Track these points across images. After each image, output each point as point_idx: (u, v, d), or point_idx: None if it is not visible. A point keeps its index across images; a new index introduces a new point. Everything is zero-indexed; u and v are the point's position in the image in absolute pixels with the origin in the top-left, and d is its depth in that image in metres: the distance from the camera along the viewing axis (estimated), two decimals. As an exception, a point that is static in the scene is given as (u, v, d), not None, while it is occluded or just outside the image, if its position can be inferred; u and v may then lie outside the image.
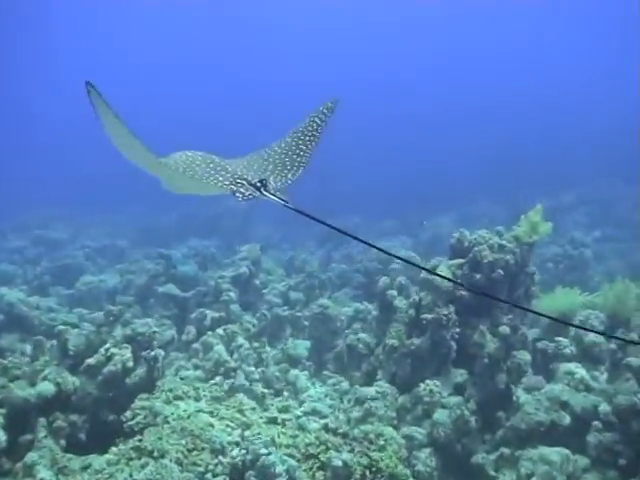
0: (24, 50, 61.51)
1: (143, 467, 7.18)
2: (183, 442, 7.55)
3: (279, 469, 7.16)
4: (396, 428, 9.02)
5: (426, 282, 10.13)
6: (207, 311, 12.18)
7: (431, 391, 9.18)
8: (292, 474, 7.22)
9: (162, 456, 7.30)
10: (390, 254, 4.03)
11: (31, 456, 7.95)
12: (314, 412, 9.45)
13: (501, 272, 9.86)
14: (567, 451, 8.27)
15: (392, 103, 55.80)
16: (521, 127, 44.73)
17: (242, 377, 10.30)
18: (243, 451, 7.46)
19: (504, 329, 9.62)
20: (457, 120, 50.24)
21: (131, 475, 7.13)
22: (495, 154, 38.74)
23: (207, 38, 71.96)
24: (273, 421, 8.89)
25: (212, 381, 9.75)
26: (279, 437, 8.12)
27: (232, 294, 13.71)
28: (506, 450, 8.64)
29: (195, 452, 7.50)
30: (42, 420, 8.43)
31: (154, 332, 9.58)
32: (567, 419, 8.72)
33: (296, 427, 8.81)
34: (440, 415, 8.93)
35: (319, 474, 7.43)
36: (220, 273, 14.48)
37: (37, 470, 7.75)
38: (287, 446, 7.93)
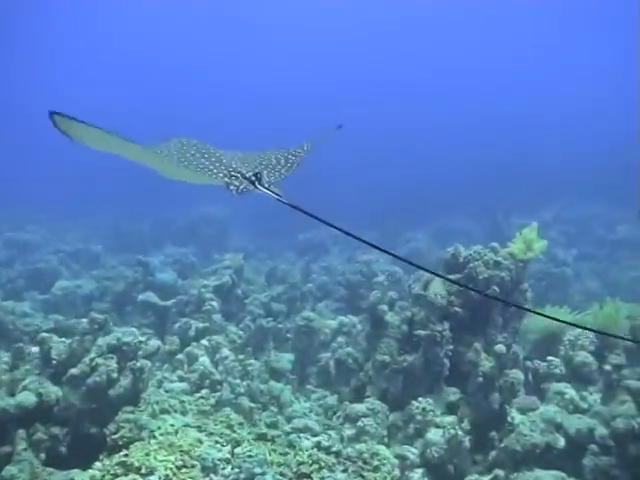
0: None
1: (130, 484, 6.87)
2: (172, 458, 7.23)
3: (273, 489, 6.91)
4: (387, 447, 8.80)
5: (419, 298, 9.94)
6: (192, 321, 11.86)
7: (424, 409, 8.97)
8: (286, 494, 6.97)
9: (150, 473, 6.97)
10: (409, 262, 3.93)
11: (9, 470, 7.60)
12: (306, 429, 9.14)
13: (496, 289, 9.69)
14: (563, 474, 8.11)
15: (374, 114, 55.68)
16: (502, 143, 44.80)
17: (228, 390, 10.02)
18: (236, 469, 7.18)
19: (500, 348, 9.44)
20: (439, 133, 50.28)
21: (117, 493, 6.82)
22: (474, 169, 38.73)
23: (207, 38, 71.76)
24: (262, 437, 8.61)
25: (198, 394, 9.44)
26: (270, 455, 7.85)
27: (215, 304, 13.42)
28: (500, 472, 8.41)
29: (185, 469, 7.18)
30: (21, 432, 8.07)
31: (140, 342, 9.24)
32: (562, 441, 8.55)
33: (286, 444, 8.54)
34: (433, 435, 8.70)
35: (312, 494, 7.19)
36: (203, 282, 14.14)
37: (16, 484, 7.42)
38: (278, 464, 7.67)
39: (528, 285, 10.52)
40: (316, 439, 8.57)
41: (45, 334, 9.06)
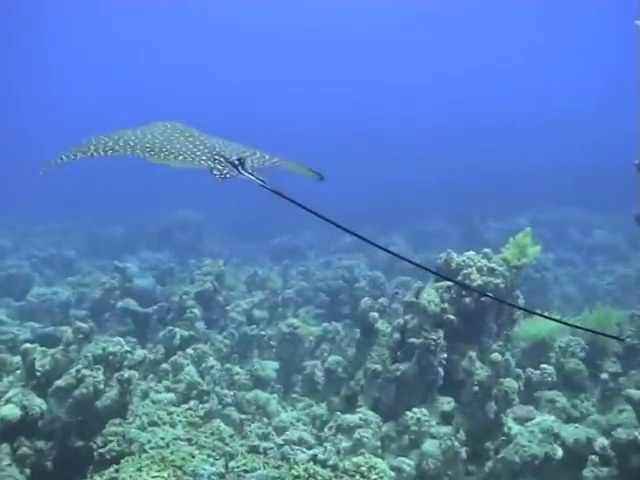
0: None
1: (122, 502, 6.60)
2: (165, 474, 6.94)
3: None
4: (381, 458, 8.59)
5: (411, 305, 9.72)
6: (176, 329, 11.55)
7: (418, 420, 8.76)
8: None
9: (143, 490, 6.71)
10: (416, 264, 3.97)
11: (-7, 486, 7.31)
12: (299, 441, 8.91)
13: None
14: (563, 486, 7.98)
15: (348, 119, 55.66)
16: (478, 149, 44.94)
17: (216, 401, 9.77)
18: (234, 485, 6.94)
19: (495, 356, 9.28)
20: (414, 139, 50.33)
21: (109, 510, 6.55)
22: (448, 174, 38.80)
23: (204, 42, 71.33)
24: (255, 450, 8.38)
25: (186, 405, 9.13)
26: (264, 468, 7.61)
27: (197, 311, 13.15)
28: (498, 484, 8.29)
29: (179, 485, 6.93)
30: (5, 446, 7.75)
31: (126, 352, 8.95)
32: (560, 452, 8.41)
33: (279, 457, 8.31)
34: (430, 446, 8.51)
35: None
36: (184, 289, 13.85)
37: (0, 502, 7.12)
38: (273, 478, 7.43)
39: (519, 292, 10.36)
40: (311, 452, 8.34)
41: (29, 345, 8.71)
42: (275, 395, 11.14)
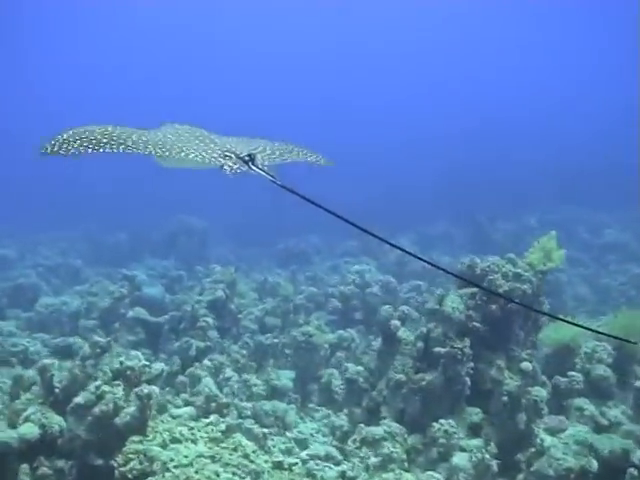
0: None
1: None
2: (192, 495, 6.71)
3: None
4: (407, 472, 8.35)
5: (435, 313, 9.47)
6: (192, 340, 11.28)
7: (446, 432, 8.51)
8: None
9: (170, 512, 6.46)
10: (445, 270, 4.00)
11: (12, 508, 7.05)
12: (327, 457, 8.65)
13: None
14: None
15: (351, 125, 55.50)
16: (481, 150, 44.70)
17: (236, 414, 9.52)
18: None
19: (526, 365, 9.02)
20: (419, 140, 50.13)
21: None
22: (448, 175, 38.57)
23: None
24: (279, 466, 8.11)
25: (206, 420, 8.83)
26: (292, 486, 7.37)
27: (209, 320, 12.88)
28: (531, 498, 8.03)
29: (208, 507, 6.68)
30: (24, 467, 7.52)
31: (144, 366, 8.68)
32: (595, 465, 8.14)
33: (305, 473, 8.06)
34: (460, 459, 8.25)
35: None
36: (196, 297, 13.59)
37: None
38: (303, 497, 7.19)
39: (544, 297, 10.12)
40: (339, 468, 8.10)
41: (47, 361, 8.46)
42: (293, 405, 10.92)
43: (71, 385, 8.31)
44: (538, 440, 8.52)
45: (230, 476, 7.33)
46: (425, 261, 4.02)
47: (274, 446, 8.98)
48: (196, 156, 4.76)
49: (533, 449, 8.54)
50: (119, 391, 8.06)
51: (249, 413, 9.87)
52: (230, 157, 4.77)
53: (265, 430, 9.25)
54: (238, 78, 71.05)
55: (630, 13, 46.71)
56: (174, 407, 9.16)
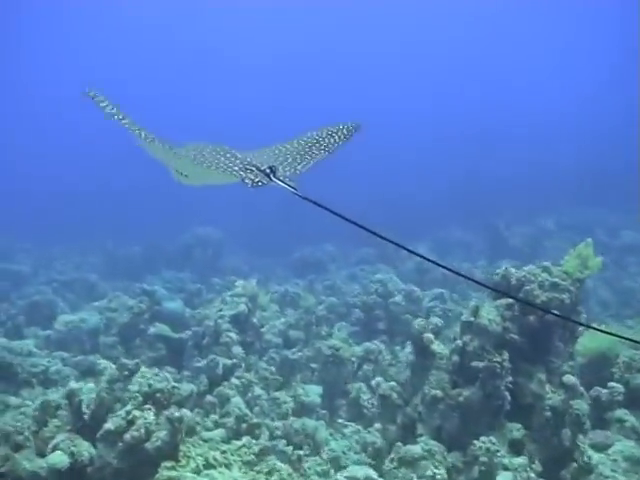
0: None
1: None
2: (232, 526, 6.41)
3: None
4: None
5: (470, 325, 9.16)
6: (218, 358, 10.97)
7: (488, 450, 8.19)
8: None
9: None
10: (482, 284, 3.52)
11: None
12: (367, 479, 8.34)
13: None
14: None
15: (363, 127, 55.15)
16: (491, 155, 44.45)
17: (267, 434, 9.23)
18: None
19: (568, 379, 8.69)
20: (430, 145, 49.89)
21: None
22: (465, 180, 38.30)
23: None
24: (317, 490, 7.83)
25: (239, 442, 8.53)
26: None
27: (233, 335, 12.60)
28: (580, 518, 7.70)
29: (248, 537, 6.39)
30: (54, 498, 7.24)
31: (173, 387, 8.41)
32: (644, 481, 7.83)
33: (344, 497, 7.76)
34: (504, 478, 7.93)
35: None
36: (218, 312, 13.30)
37: None
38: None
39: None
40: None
41: (74, 385, 8.20)
42: (322, 422, 10.63)
43: (99, 409, 8.05)
44: (585, 457, 8.20)
45: (268, 503, 7.04)
46: (455, 272, 3.91)
47: (309, 468, 8.67)
48: (217, 168, 4.80)
49: (579, 467, 8.22)
50: (150, 416, 7.76)
51: (280, 433, 9.56)
52: (251, 170, 4.79)
53: (300, 452, 8.94)
54: (241, 80, 71.03)
55: (630, 12, 46.40)
56: (204, 429, 8.83)
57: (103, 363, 10.40)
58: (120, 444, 7.60)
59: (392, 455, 8.70)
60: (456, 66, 67.58)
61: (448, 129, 53.58)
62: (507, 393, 8.72)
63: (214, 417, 9.34)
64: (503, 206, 29.66)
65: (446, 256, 24.64)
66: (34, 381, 11.91)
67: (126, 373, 8.35)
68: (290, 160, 5.26)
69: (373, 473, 8.46)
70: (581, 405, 8.83)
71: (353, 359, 12.40)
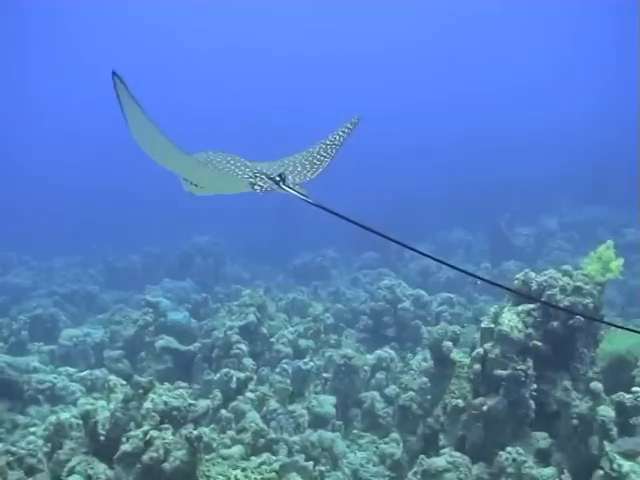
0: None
1: None
2: None
3: None
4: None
5: (491, 332, 8.92)
6: (232, 371, 10.71)
7: (515, 460, 7.94)
8: None
9: None
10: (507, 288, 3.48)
11: None
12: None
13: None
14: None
15: (360, 133, 55.10)
16: (491, 157, 44.35)
17: (286, 450, 8.98)
18: None
19: (595, 385, 8.43)
20: (429, 147, 49.82)
21: None
22: (465, 180, 38.14)
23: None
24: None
25: (258, 459, 8.25)
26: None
27: (243, 347, 12.39)
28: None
29: None
30: (72, 523, 6.98)
31: (190, 405, 8.16)
32: (679, 492, 7.57)
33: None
34: (533, 490, 7.69)
35: None
36: (227, 323, 13.09)
37: None
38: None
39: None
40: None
41: (89, 406, 7.94)
42: (338, 434, 10.41)
43: (114, 429, 7.79)
44: (615, 466, 7.94)
45: (294, 523, 6.79)
46: (481, 278, 3.99)
47: (331, 485, 8.43)
48: (227, 176, 4.87)
49: (609, 476, 7.97)
50: (168, 435, 7.50)
51: (299, 448, 9.31)
52: (262, 178, 4.84)
53: (322, 468, 8.70)
54: (244, 80, 71.05)
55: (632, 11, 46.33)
56: (223, 446, 8.56)
57: (113, 380, 10.14)
58: (138, 465, 7.33)
59: (415, 468, 8.43)
60: (459, 68, 67.79)
61: (449, 131, 53.58)
62: (532, 402, 8.47)
63: (231, 433, 9.05)
64: (505, 206, 29.45)
65: (447, 257, 24.37)
66: (41, 398, 11.67)
67: (140, 391, 8.08)
68: (300, 169, 5.32)
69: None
70: (607, 412, 8.56)
71: (366, 368, 12.17)
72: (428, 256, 4.02)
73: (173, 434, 7.68)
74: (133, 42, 67.70)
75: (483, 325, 9.14)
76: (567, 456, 8.21)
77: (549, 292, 8.94)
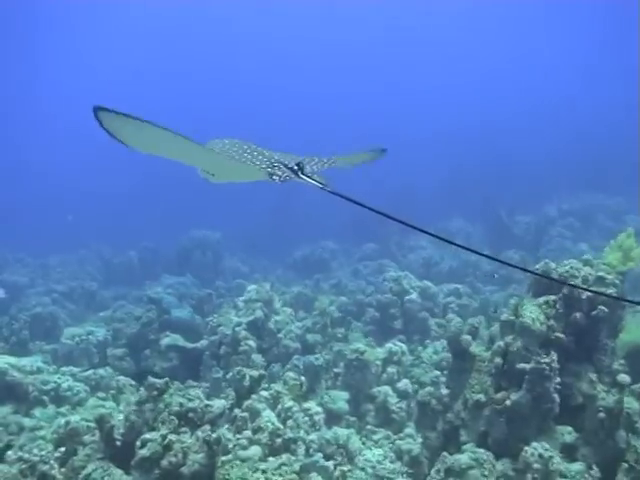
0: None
1: None
2: None
3: None
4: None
5: (512, 325, 8.70)
6: (245, 369, 10.42)
7: (541, 456, 7.71)
8: None
9: None
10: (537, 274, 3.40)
11: None
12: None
13: (604, 309, 8.47)
14: None
15: (355, 123, 55.01)
16: (486, 146, 44.20)
17: (303, 449, 8.75)
18: None
19: (622, 378, 8.22)
20: (422, 140, 49.71)
21: None
22: (463, 169, 37.95)
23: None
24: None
25: (278, 460, 8.01)
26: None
27: (252, 343, 12.17)
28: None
29: None
30: (90, 532, 6.72)
31: (206, 406, 7.90)
32: None
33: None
34: (563, 487, 7.47)
35: None
36: (235, 319, 12.82)
37: None
38: None
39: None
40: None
41: (104, 410, 7.67)
42: (353, 430, 10.19)
43: (129, 433, 7.53)
44: (643, 459, 7.75)
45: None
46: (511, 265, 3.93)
47: (354, 484, 8.19)
48: (245, 165, 4.79)
49: (634, 469, 7.75)
50: (187, 439, 7.25)
51: (316, 447, 9.07)
52: (278, 167, 4.77)
53: (344, 468, 8.47)
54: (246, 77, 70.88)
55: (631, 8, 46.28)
56: (239, 447, 8.30)
57: (122, 380, 9.88)
58: (157, 471, 7.08)
59: (438, 466, 8.21)
60: (455, 60, 67.72)
61: (447, 121, 53.52)
62: (556, 395, 8.24)
63: (247, 433, 8.78)
64: (504, 195, 29.29)
65: (448, 247, 24.21)
66: (46, 399, 11.40)
67: (155, 393, 7.82)
68: (316, 160, 5.21)
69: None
70: (632, 403, 8.38)
71: (377, 362, 11.95)
72: (453, 243, 3.86)
73: (191, 437, 7.44)
74: (134, 40, 67.40)
75: (503, 318, 8.92)
76: (594, 451, 7.99)
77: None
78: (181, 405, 7.72)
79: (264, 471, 7.67)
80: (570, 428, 8.21)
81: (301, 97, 68.82)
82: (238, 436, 8.64)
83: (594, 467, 7.71)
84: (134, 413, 7.70)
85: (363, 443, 10.21)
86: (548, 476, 7.58)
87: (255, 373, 10.05)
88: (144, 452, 7.12)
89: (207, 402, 8.00)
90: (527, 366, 8.27)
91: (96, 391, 12.06)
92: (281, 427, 8.92)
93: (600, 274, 8.73)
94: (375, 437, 10.61)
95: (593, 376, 8.29)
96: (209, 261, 23.93)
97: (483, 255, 3.91)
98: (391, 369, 12.12)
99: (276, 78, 70.94)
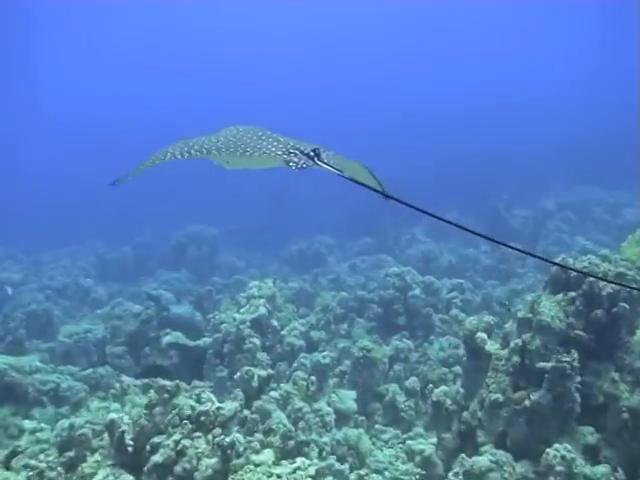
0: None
1: None
2: None
3: None
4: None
5: (530, 322, 8.46)
6: (253, 369, 10.12)
7: (564, 458, 7.46)
8: None
9: None
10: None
11: None
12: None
13: (626, 305, 8.23)
14: None
15: (350, 115, 54.78)
16: (481, 138, 44.00)
17: (317, 452, 8.49)
18: None
19: (647, 376, 7.99)
20: (415, 131, 49.53)
21: None
22: (458, 162, 37.72)
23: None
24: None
25: (292, 464, 7.72)
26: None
27: (256, 340, 11.89)
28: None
29: None
30: (102, 541, 6.45)
31: (218, 408, 7.62)
32: None
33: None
34: (587, 490, 7.22)
35: None
36: (238, 316, 12.53)
37: None
38: None
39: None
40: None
41: (114, 415, 7.37)
42: (362, 430, 9.94)
43: (139, 438, 7.24)
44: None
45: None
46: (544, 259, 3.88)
47: (371, 489, 7.94)
48: (261, 154, 4.71)
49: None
50: (201, 444, 6.97)
51: (329, 449, 8.82)
52: (295, 153, 4.69)
53: (361, 472, 8.22)
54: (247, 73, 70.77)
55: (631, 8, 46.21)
56: (251, 450, 8.01)
57: (126, 380, 9.60)
58: (170, 478, 6.80)
59: (457, 468, 7.97)
60: (455, 57, 67.65)
61: (442, 112, 53.34)
62: (577, 395, 8.00)
63: (259, 436, 8.50)
64: (500, 187, 29.06)
65: (442, 241, 24.05)
66: (45, 400, 11.12)
67: (166, 396, 7.54)
68: (331, 153, 5.00)
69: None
70: (651, 403, 8.15)
71: (385, 360, 11.71)
72: (477, 234, 3.60)
73: (204, 441, 7.17)
74: (134, 40, 67.27)
75: (520, 315, 8.68)
76: (617, 452, 7.74)
77: (591, 279, 8.46)
78: (193, 408, 7.44)
79: (279, 476, 7.39)
80: (592, 429, 7.98)
81: (288, 92, 68.76)
82: (249, 439, 8.36)
83: (619, 469, 7.48)
84: (145, 417, 7.41)
85: (373, 443, 9.98)
86: (570, 478, 7.34)
87: (264, 373, 9.79)
88: (157, 458, 6.85)
89: (219, 405, 7.69)
90: (547, 365, 8.03)
91: (96, 390, 11.79)
92: (293, 429, 8.66)
93: (620, 270, 8.49)
94: (384, 437, 10.41)
95: (615, 375, 8.04)
96: (205, 256, 23.61)
97: (510, 247, 3.74)
98: (398, 366, 11.91)
99: (271, 73, 70.85)
